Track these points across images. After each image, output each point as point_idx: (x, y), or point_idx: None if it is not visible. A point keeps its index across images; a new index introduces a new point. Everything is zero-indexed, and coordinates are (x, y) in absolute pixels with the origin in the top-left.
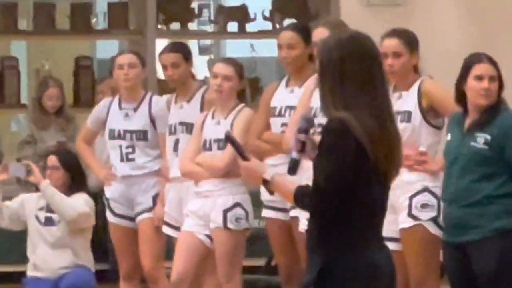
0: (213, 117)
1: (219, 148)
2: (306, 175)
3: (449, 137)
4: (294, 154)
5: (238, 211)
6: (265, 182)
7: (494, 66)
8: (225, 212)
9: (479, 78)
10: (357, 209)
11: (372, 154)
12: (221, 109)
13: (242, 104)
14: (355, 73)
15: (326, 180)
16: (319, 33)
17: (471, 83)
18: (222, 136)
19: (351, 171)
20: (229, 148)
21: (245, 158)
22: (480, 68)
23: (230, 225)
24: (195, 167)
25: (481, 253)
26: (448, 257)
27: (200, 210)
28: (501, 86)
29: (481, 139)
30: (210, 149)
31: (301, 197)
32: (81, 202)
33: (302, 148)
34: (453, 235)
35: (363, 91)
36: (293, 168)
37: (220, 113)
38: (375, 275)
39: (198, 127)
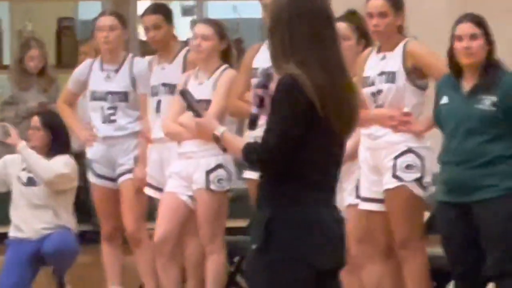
0: (196, 78)
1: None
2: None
3: (445, 100)
4: (254, 109)
5: (220, 172)
6: (217, 139)
7: (476, 25)
8: (208, 173)
9: (460, 38)
10: (306, 167)
11: (322, 110)
12: (204, 70)
13: (225, 65)
14: (304, 32)
15: (274, 136)
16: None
17: (455, 45)
18: (205, 96)
19: (300, 128)
20: (213, 108)
21: (198, 115)
22: (459, 28)
23: (212, 186)
24: (177, 128)
25: (489, 214)
26: (448, 218)
27: (183, 171)
28: (492, 45)
29: (487, 101)
30: None
31: (249, 153)
32: (60, 164)
33: (260, 103)
34: (458, 196)
35: (313, 49)
36: (253, 123)
37: (203, 74)
38: (320, 231)
39: (181, 87)
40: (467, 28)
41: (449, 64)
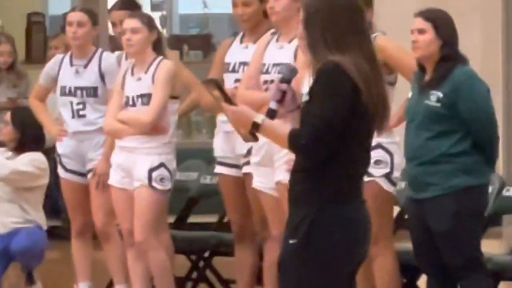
0: (132, 73)
1: (143, 104)
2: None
3: (409, 95)
4: (272, 104)
5: (163, 171)
6: (255, 127)
7: (425, 19)
8: (151, 171)
9: (412, 32)
10: (346, 156)
11: (366, 98)
12: (139, 64)
13: (160, 57)
14: (344, 20)
15: (320, 121)
16: None
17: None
18: (145, 91)
19: (346, 112)
20: (155, 102)
21: (232, 103)
22: (413, 23)
23: (154, 184)
24: (119, 125)
25: (436, 211)
26: (410, 212)
27: (124, 163)
28: (446, 40)
29: (433, 97)
30: (134, 105)
31: (295, 139)
32: (22, 161)
33: (281, 98)
34: (413, 192)
35: (353, 36)
36: (271, 118)
37: (139, 68)
38: (359, 224)
39: (119, 84)
40: (416, 22)
41: (416, 59)
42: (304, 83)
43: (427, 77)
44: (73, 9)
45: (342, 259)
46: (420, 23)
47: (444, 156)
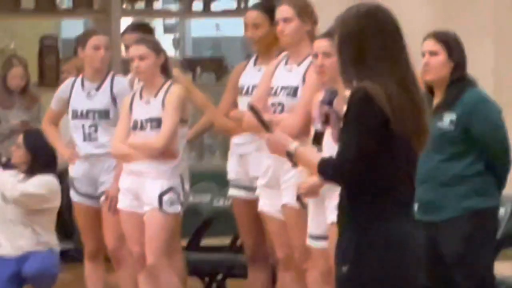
0: (141, 96)
1: (152, 128)
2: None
3: None
4: (318, 126)
5: (172, 195)
6: (289, 154)
7: (438, 41)
8: (161, 195)
9: (422, 54)
10: (384, 180)
11: (397, 124)
12: (148, 88)
13: (170, 81)
14: (376, 43)
15: (351, 150)
16: (283, 11)
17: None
18: (154, 115)
19: (376, 141)
20: (166, 127)
21: (268, 130)
22: (424, 44)
23: (165, 208)
24: (128, 149)
25: (449, 233)
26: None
27: (131, 187)
28: (458, 63)
29: (446, 119)
30: (142, 128)
31: (325, 167)
32: (33, 184)
33: (325, 120)
34: (423, 215)
35: (385, 60)
36: (317, 139)
37: (148, 92)
38: (406, 246)
39: (127, 108)
40: (428, 44)
41: (423, 81)
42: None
43: (436, 100)
44: (93, 33)
45: (393, 283)
46: (432, 45)
47: (457, 178)
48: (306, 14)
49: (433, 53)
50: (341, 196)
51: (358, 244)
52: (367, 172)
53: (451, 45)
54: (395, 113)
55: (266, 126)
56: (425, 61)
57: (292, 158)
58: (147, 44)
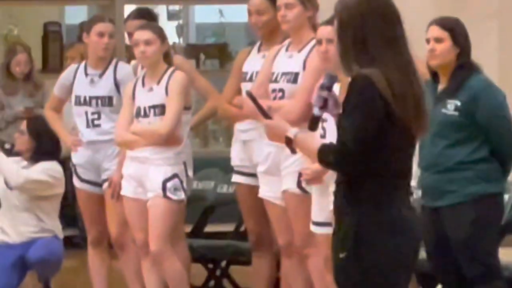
0: (143, 84)
1: (155, 115)
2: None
3: None
4: (316, 111)
5: (176, 181)
6: (288, 140)
7: (442, 28)
8: (165, 182)
9: (427, 41)
10: (384, 166)
11: (398, 109)
12: (151, 75)
13: (172, 68)
14: (377, 29)
15: (352, 137)
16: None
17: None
18: (157, 102)
19: (377, 127)
20: (170, 113)
21: (267, 117)
22: (428, 31)
23: (169, 194)
24: (131, 136)
25: (454, 219)
26: (425, 221)
27: (135, 173)
28: (462, 48)
29: (451, 105)
30: (146, 115)
31: (326, 154)
32: (37, 170)
33: (324, 104)
34: (428, 200)
35: (387, 46)
36: (314, 124)
37: (151, 79)
38: (405, 230)
39: (129, 95)
40: (433, 31)
41: (427, 67)
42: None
43: (441, 86)
44: (100, 19)
45: (394, 267)
46: (437, 31)
47: (462, 163)
48: (308, 0)
49: (438, 40)
50: (339, 182)
51: (358, 230)
52: (368, 158)
53: (456, 31)
54: (396, 98)
55: (264, 113)
56: (431, 48)
57: (291, 144)
58: (153, 30)
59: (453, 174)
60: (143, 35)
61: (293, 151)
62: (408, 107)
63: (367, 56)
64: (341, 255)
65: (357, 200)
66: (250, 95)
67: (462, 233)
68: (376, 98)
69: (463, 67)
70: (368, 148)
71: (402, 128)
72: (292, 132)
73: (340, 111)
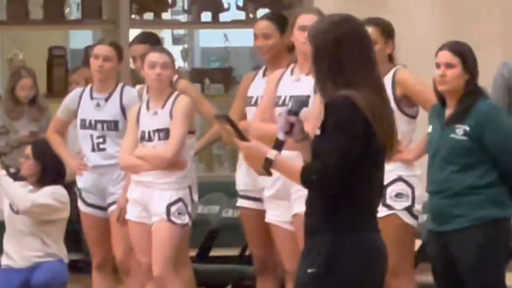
0: (148, 108)
1: (160, 139)
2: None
3: (430, 129)
4: (281, 135)
5: (180, 205)
6: (267, 163)
7: (454, 54)
8: (169, 206)
9: (438, 65)
10: (360, 188)
11: (377, 131)
12: (156, 99)
13: (177, 92)
14: (352, 53)
15: (335, 157)
16: (307, 19)
17: (435, 72)
18: (162, 126)
19: (359, 148)
20: (174, 137)
21: (244, 139)
22: (438, 56)
23: (173, 218)
24: (136, 160)
25: (462, 243)
26: (432, 246)
27: (140, 198)
28: (472, 74)
29: (460, 130)
30: (150, 139)
31: (309, 174)
32: (43, 194)
33: (290, 129)
34: (436, 225)
35: (362, 70)
36: (278, 149)
37: (156, 103)
38: (376, 255)
39: (134, 119)
40: (444, 56)
41: (434, 92)
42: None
43: (448, 111)
44: (100, 42)
45: (362, 284)
46: (449, 57)
47: (471, 188)
48: None
49: (449, 66)
50: (313, 202)
51: (331, 250)
52: (349, 178)
53: (466, 57)
54: (374, 120)
55: (242, 136)
56: (442, 73)
57: (270, 166)
58: (169, 55)
59: (462, 198)
60: (161, 57)
61: (269, 174)
62: (383, 128)
63: (343, 79)
64: (309, 270)
65: (331, 220)
66: (227, 118)
67: (471, 257)
68: (357, 118)
69: (471, 92)
70: (350, 168)
71: (378, 150)
72: (272, 154)
73: (304, 137)
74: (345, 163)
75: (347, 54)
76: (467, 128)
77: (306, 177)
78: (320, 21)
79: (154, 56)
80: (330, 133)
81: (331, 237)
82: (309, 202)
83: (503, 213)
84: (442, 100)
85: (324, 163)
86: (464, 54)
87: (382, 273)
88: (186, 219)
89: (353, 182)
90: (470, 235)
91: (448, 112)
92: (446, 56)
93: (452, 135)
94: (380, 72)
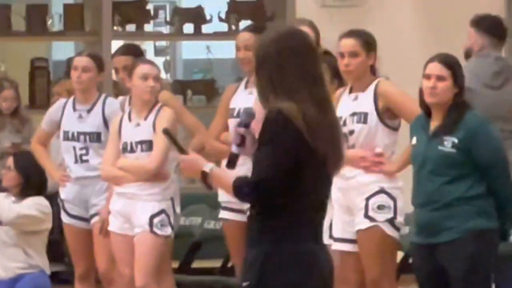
0: (130, 119)
1: (142, 150)
2: (244, 168)
3: (414, 140)
4: (234, 148)
5: (163, 217)
6: (204, 175)
7: (445, 66)
8: (152, 217)
9: (428, 77)
10: (297, 201)
11: (313, 143)
12: (139, 110)
13: (159, 104)
14: (292, 65)
15: (267, 170)
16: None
17: (423, 83)
18: (145, 138)
19: (292, 161)
20: (158, 149)
21: (183, 152)
22: (429, 67)
23: (156, 230)
24: (118, 171)
25: (453, 255)
26: (419, 259)
27: (122, 209)
28: (461, 88)
29: (448, 143)
30: (132, 151)
31: (240, 187)
32: (26, 205)
33: (241, 142)
34: (424, 237)
35: (302, 81)
36: (232, 162)
37: (138, 114)
38: (313, 264)
39: (115, 130)
40: (435, 68)
41: (420, 103)
42: None
43: (434, 123)
44: (79, 53)
45: None
46: (440, 69)
47: (460, 199)
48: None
49: (440, 78)
50: (251, 215)
51: (263, 263)
52: (283, 191)
53: (456, 70)
54: (311, 133)
55: (180, 148)
56: (432, 85)
57: (207, 180)
58: (158, 68)
59: (451, 210)
60: (153, 70)
61: (209, 187)
62: (323, 141)
63: (284, 92)
64: (244, 284)
65: (267, 232)
66: (165, 131)
67: (461, 268)
68: (291, 131)
69: (459, 105)
70: (283, 181)
71: (317, 162)
72: (208, 166)
73: (255, 149)
74: (277, 176)
75: (289, 67)
76: (456, 140)
77: (238, 190)
78: (265, 33)
79: (146, 68)
80: (263, 146)
81: (265, 249)
82: (249, 215)
83: (492, 224)
84: (427, 112)
85: (256, 175)
86: (454, 67)
87: (326, 286)
88: (168, 231)
89: (289, 194)
90: (460, 246)
91: (434, 124)
92: (437, 68)
93: (440, 147)
94: (325, 87)
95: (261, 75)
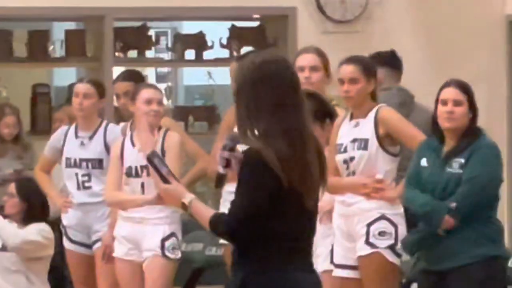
0: (132, 144)
1: (148, 175)
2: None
3: (424, 163)
4: (220, 169)
5: (174, 240)
6: (184, 206)
7: (462, 91)
8: (163, 240)
9: (444, 102)
10: (275, 236)
11: (287, 181)
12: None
13: (165, 128)
14: (267, 97)
15: (241, 209)
16: (309, 60)
17: (438, 108)
18: None
19: (266, 200)
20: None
21: (165, 181)
22: (445, 92)
23: (167, 253)
24: (123, 196)
25: (462, 280)
26: (426, 285)
27: (129, 235)
28: (474, 113)
29: (456, 164)
30: (138, 175)
31: (216, 224)
32: (31, 231)
33: (227, 164)
34: (433, 263)
35: (276, 116)
36: (219, 182)
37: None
38: None
39: (117, 155)
40: (452, 93)
41: (433, 128)
42: None
43: (447, 146)
44: (80, 80)
45: None
46: (457, 94)
47: (468, 223)
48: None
49: (458, 103)
50: (233, 246)
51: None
52: (257, 228)
53: (471, 96)
54: (284, 169)
55: (163, 177)
56: (450, 110)
57: (187, 210)
58: (162, 93)
59: (460, 235)
60: (157, 94)
61: (191, 215)
62: (294, 175)
63: (259, 127)
64: None
65: (245, 262)
66: (147, 158)
67: None
68: (265, 172)
69: (473, 130)
70: (256, 219)
71: (292, 195)
72: (187, 198)
73: None
74: (250, 216)
75: (264, 98)
76: (463, 161)
77: (214, 227)
78: (245, 59)
79: (150, 93)
80: (240, 188)
81: (243, 277)
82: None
83: (501, 251)
84: (441, 137)
85: (231, 215)
86: (469, 92)
87: None
88: (179, 254)
89: (265, 229)
90: (469, 273)
91: (447, 148)
92: (454, 93)
93: (449, 169)
94: (300, 116)
95: (239, 104)
